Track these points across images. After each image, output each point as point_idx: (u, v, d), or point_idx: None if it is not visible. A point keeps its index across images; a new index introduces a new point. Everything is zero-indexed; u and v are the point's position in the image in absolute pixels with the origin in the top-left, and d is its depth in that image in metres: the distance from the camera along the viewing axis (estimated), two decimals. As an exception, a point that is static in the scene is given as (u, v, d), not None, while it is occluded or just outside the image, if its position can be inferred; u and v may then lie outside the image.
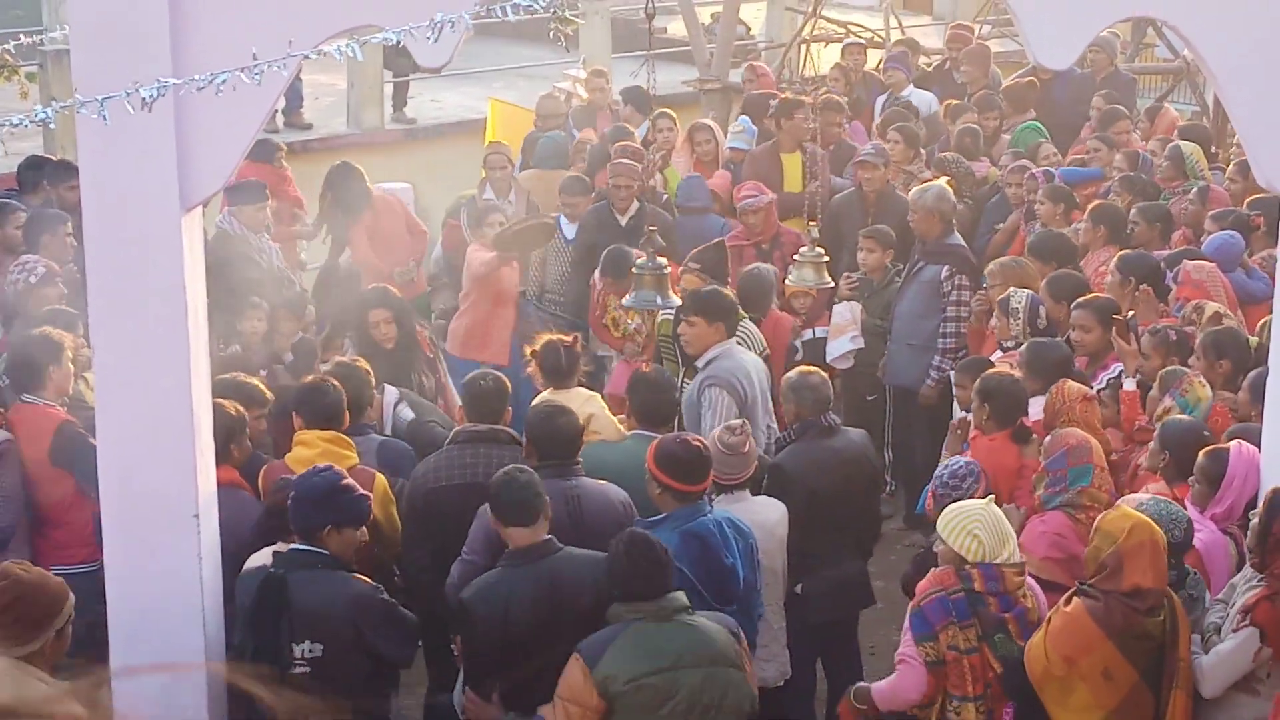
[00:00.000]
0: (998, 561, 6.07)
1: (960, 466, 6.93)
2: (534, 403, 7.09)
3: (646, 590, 5.85)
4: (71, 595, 5.32)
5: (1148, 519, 5.98)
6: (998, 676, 6.12)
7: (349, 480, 6.24)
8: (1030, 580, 6.30)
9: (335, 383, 7.30)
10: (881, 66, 14.43)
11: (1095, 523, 6.12)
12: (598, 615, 5.89)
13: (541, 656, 5.91)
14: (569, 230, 11.16)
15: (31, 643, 5.16)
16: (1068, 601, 5.96)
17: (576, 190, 11.27)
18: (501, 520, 6.15)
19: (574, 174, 11.73)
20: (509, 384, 7.47)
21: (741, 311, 8.61)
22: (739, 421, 7.12)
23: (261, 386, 7.73)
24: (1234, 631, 6.01)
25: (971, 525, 6.12)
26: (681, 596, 5.93)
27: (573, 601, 6.00)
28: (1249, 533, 6.20)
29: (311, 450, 6.95)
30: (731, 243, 10.39)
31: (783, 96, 12.51)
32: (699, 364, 8.18)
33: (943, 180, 10.51)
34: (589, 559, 6.09)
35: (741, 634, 6.04)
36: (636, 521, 6.40)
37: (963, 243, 10.20)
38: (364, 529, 6.21)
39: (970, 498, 6.66)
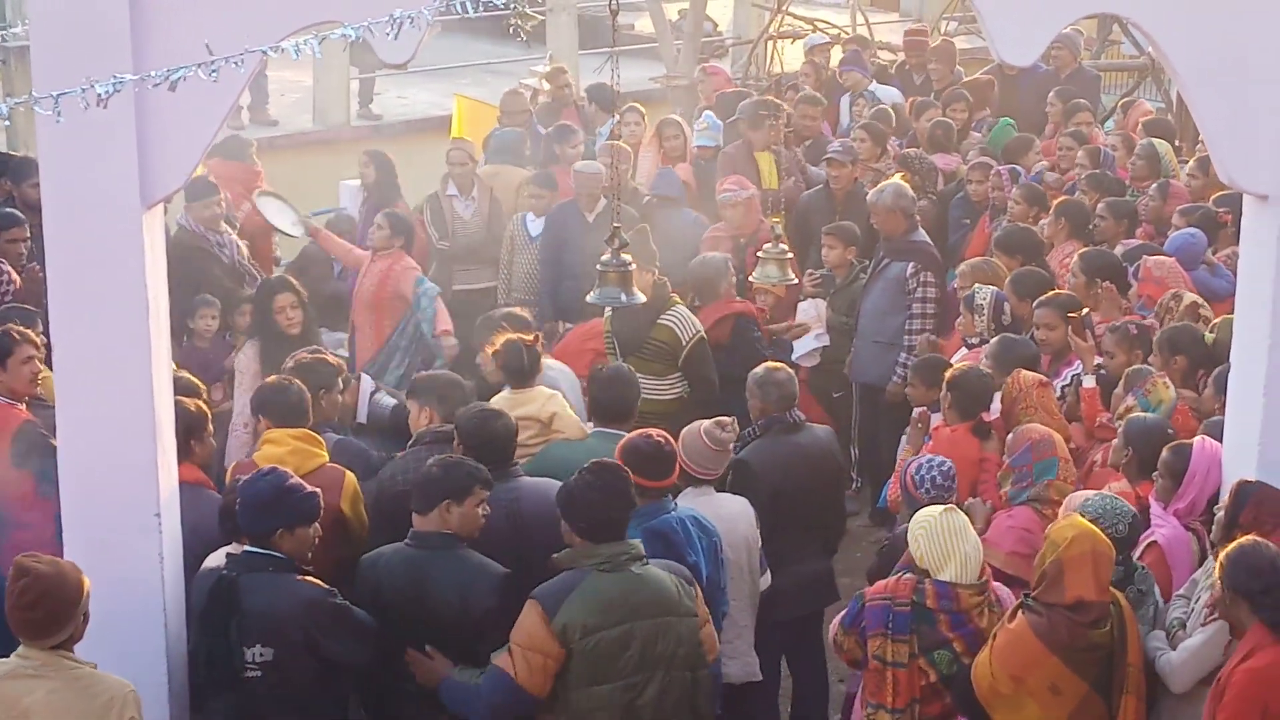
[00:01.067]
0: (945, 579, 6.05)
1: (949, 466, 6.90)
2: (463, 409, 6.95)
3: (607, 529, 5.89)
4: (87, 580, 5.33)
5: (1092, 529, 5.95)
6: (930, 688, 6.10)
7: (295, 480, 6.15)
8: (999, 589, 6.25)
9: (298, 381, 7.25)
10: (839, 70, 14.42)
11: (1047, 531, 6.09)
12: (461, 621, 5.97)
13: (408, 642, 6.03)
14: (534, 227, 11.14)
15: (60, 633, 5.23)
16: (1012, 617, 5.92)
17: (545, 184, 11.25)
18: (411, 506, 6.23)
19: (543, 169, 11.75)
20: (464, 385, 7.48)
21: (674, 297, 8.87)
22: (730, 419, 7.13)
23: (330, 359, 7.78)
24: (1202, 626, 6.01)
25: (917, 530, 6.15)
26: (638, 545, 5.96)
27: (438, 600, 6.02)
28: (1214, 526, 6.21)
29: (281, 448, 6.88)
30: (710, 235, 10.44)
31: (752, 100, 12.55)
32: None
33: (897, 177, 10.52)
34: (472, 568, 6.08)
35: (696, 584, 6.09)
36: None
37: (927, 239, 10.21)
38: (317, 525, 6.13)
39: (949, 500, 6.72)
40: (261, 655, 5.90)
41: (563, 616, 5.76)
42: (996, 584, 6.29)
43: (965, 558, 6.07)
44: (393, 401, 8.20)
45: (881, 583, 6.27)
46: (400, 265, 10.36)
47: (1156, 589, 6.35)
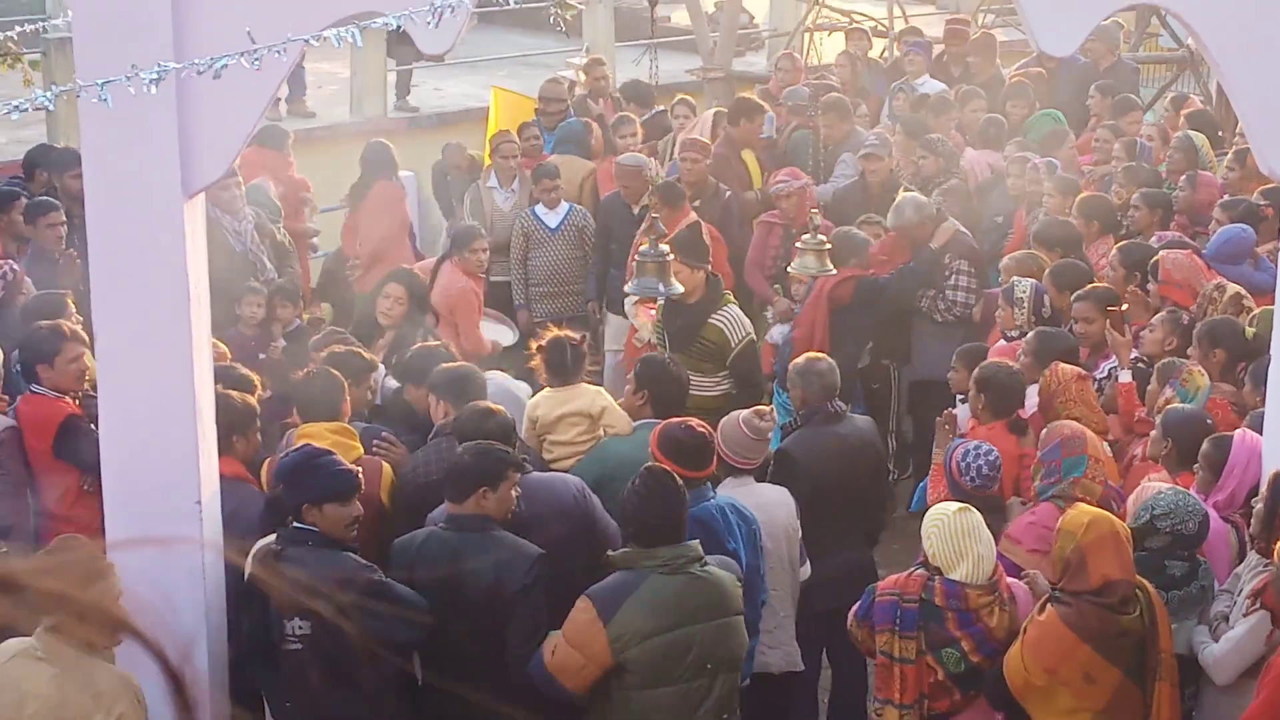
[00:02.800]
0: (955, 578, 6.02)
1: (996, 456, 6.89)
2: (468, 406, 6.86)
3: (663, 531, 5.90)
4: (115, 577, 5.22)
5: (1105, 513, 5.96)
6: (938, 685, 6.09)
7: (327, 457, 6.15)
8: (1014, 586, 6.22)
9: (333, 371, 7.27)
10: (901, 50, 14.41)
11: (1058, 523, 6.08)
12: (493, 600, 5.99)
13: (437, 630, 6.05)
14: (550, 219, 11.13)
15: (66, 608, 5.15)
16: (1041, 610, 5.92)
17: (552, 175, 11.28)
18: (444, 494, 6.28)
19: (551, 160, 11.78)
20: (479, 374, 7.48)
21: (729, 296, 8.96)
22: (769, 407, 7.14)
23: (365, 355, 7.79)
24: (1244, 617, 5.99)
25: (929, 528, 6.12)
26: (697, 546, 5.97)
27: (472, 579, 6.05)
28: (1253, 519, 6.19)
29: (318, 443, 6.90)
30: (763, 221, 10.66)
31: (740, 98, 12.60)
32: None
33: (903, 193, 10.50)
34: (508, 547, 6.12)
35: (741, 577, 6.14)
36: None
37: (963, 229, 10.21)
38: (356, 504, 6.12)
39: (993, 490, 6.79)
40: (301, 628, 5.94)
41: (619, 622, 5.78)
42: (1012, 580, 6.25)
43: (979, 558, 6.02)
44: (395, 385, 8.21)
45: (892, 578, 6.26)
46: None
47: (1218, 586, 6.34)
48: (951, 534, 6.04)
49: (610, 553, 6.08)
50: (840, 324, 9.65)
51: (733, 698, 6.05)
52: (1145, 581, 5.98)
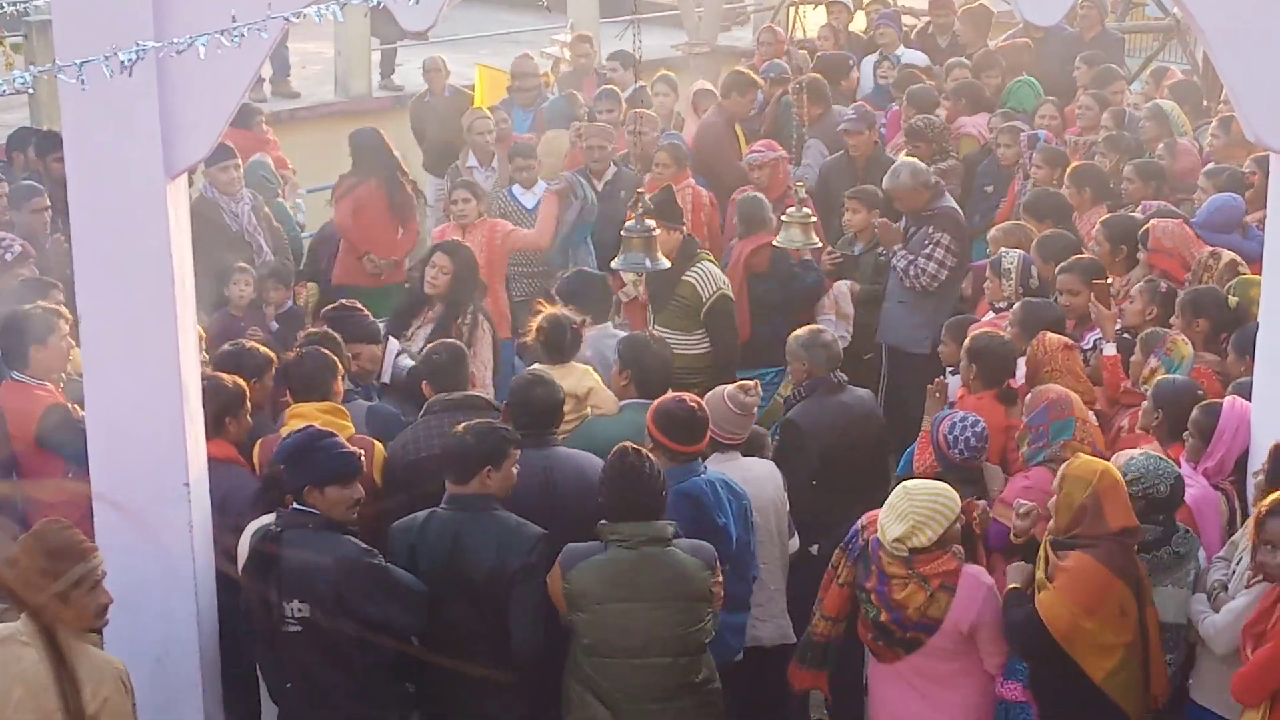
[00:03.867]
0: (885, 540, 6.13)
1: (982, 427, 6.92)
2: (518, 374, 7.01)
3: (627, 508, 6.03)
4: (93, 561, 5.21)
5: (1108, 464, 6.12)
6: (864, 620, 6.29)
7: (325, 439, 6.13)
8: (972, 579, 6.18)
9: (322, 350, 7.26)
10: (873, 25, 14.38)
11: (1060, 471, 6.16)
12: (494, 579, 6.03)
13: (438, 610, 6.06)
14: (526, 199, 11.07)
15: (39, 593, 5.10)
16: (1062, 558, 5.98)
17: (529, 154, 11.25)
18: (444, 474, 6.27)
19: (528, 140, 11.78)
20: (465, 351, 7.52)
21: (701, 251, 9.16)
22: (753, 382, 7.14)
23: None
24: (1245, 589, 6.01)
25: (891, 497, 6.23)
26: (662, 527, 6.06)
27: (473, 558, 6.07)
28: (1253, 489, 6.22)
29: (308, 422, 6.91)
30: (739, 196, 10.50)
31: (734, 70, 12.58)
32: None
33: (903, 155, 10.48)
34: (511, 527, 6.13)
35: (717, 565, 6.17)
36: None
37: (953, 204, 10.17)
38: (358, 486, 6.10)
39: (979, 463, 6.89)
40: (299, 610, 5.92)
41: (571, 578, 6.01)
42: (974, 568, 6.28)
43: (907, 535, 6.07)
44: (410, 363, 8.20)
45: (879, 510, 6.35)
46: (499, 230, 10.35)
47: (1202, 553, 6.36)
48: (897, 503, 6.16)
49: (598, 525, 6.15)
50: (757, 291, 9.69)
51: (692, 675, 6.10)
52: None
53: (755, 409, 7.07)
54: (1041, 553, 6.13)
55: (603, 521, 6.11)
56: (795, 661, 6.67)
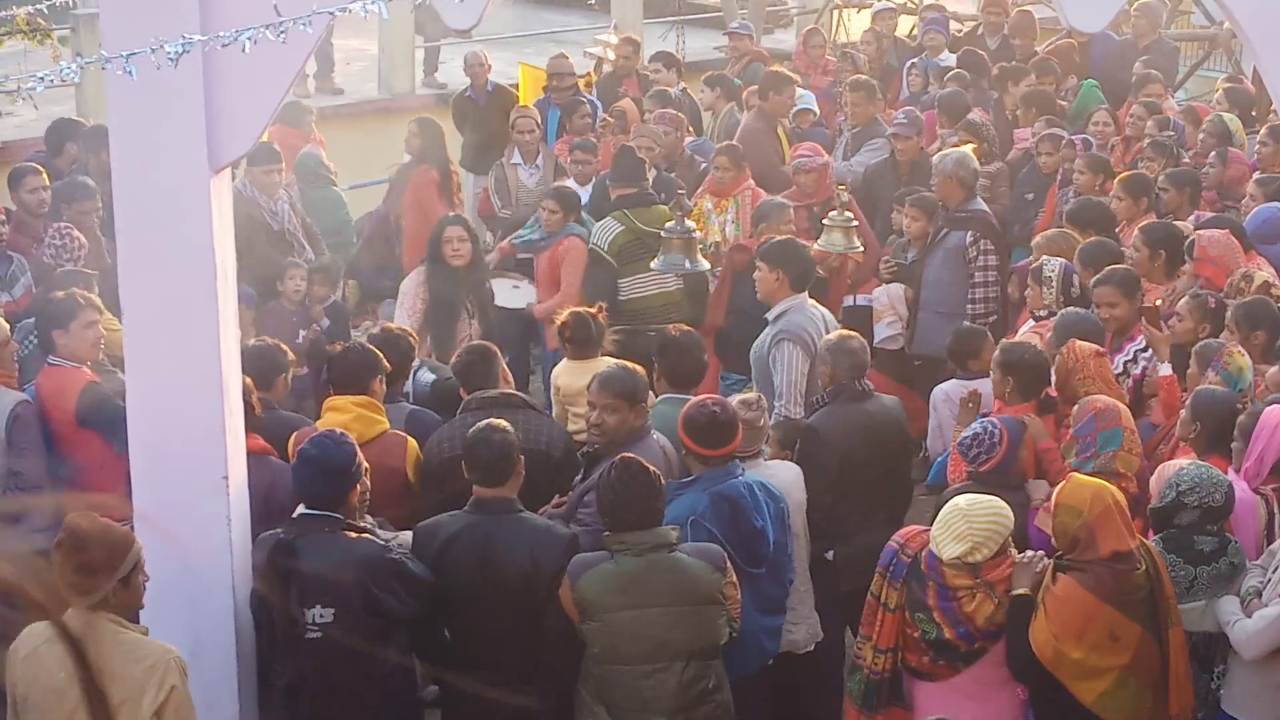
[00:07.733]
0: (944, 556, 6.02)
1: (995, 430, 6.87)
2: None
3: (629, 518, 6.02)
4: (138, 544, 5.27)
5: (1101, 483, 6.05)
6: (915, 642, 6.12)
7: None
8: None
9: (368, 347, 7.30)
10: (919, 29, 14.33)
11: (1054, 497, 6.11)
12: (531, 585, 6.04)
13: (469, 614, 6.09)
14: (582, 195, 11.11)
15: (94, 590, 5.14)
16: (1055, 582, 5.94)
17: (589, 150, 11.27)
18: (470, 477, 6.25)
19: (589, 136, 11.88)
20: (497, 350, 7.53)
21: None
22: (755, 396, 7.12)
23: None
24: (1279, 596, 5.97)
25: (944, 507, 6.15)
26: (665, 533, 6.05)
27: (507, 562, 6.08)
28: None
29: (343, 415, 6.94)
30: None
31: (771, 69, 12.55)
32: (769, 316, 8.29)
33: (967, 148, 10.43)
34: (541, 529, 6.16)
35: (728, 566, 6.14)
36: (668, 484, 6.37)
37: (985, 207, 10.13)
38: (365, 480, 6.16)
39: (992, 459, 6.77)
40: (322, 616, 5.94)
41: (580, 589, 5.99)
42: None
43: (972, 549, 5.98)
44: (432, 377, 8.20)
45: (911, 528, 6.30)
46: (574, 252, 10.19)
47: (1249, 564, 6.32)
48: (949, 516, 6.06)
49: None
50: (735, 290, 9.66)
51: (703, 683, 6.05)
52: (1141, 536, 6.08)
53: (761, 419, 7.00)
54: (1048, 576, 6.03)
55: (606, 533, 6.10)
56: (857, 709, 6.31)
